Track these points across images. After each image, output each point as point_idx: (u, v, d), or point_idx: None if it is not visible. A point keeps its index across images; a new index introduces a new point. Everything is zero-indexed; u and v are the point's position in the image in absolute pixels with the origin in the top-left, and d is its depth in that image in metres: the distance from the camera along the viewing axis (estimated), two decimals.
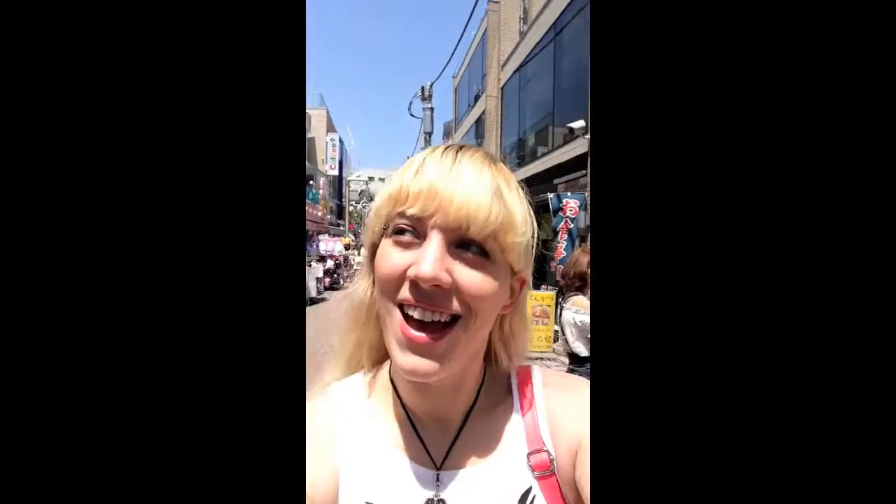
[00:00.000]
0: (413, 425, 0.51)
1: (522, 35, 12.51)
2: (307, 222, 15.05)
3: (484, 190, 0.44)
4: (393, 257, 0.44)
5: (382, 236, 0.47)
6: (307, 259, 12.73)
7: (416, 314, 0.43)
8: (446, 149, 0.47)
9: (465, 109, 18.93)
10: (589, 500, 0.45)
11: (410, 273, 0.43)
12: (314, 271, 12.34)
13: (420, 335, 0.43)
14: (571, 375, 0.60)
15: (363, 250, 0.53)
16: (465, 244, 0.44)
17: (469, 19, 8.82)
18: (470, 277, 0.43)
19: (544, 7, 10.45)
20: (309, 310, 10.25)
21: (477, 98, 17.03)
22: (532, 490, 0.48)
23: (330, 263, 14.54)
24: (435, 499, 0.48)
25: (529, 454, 0.50)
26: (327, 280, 13.92)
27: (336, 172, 28.92)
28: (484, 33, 16.05)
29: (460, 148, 0.48)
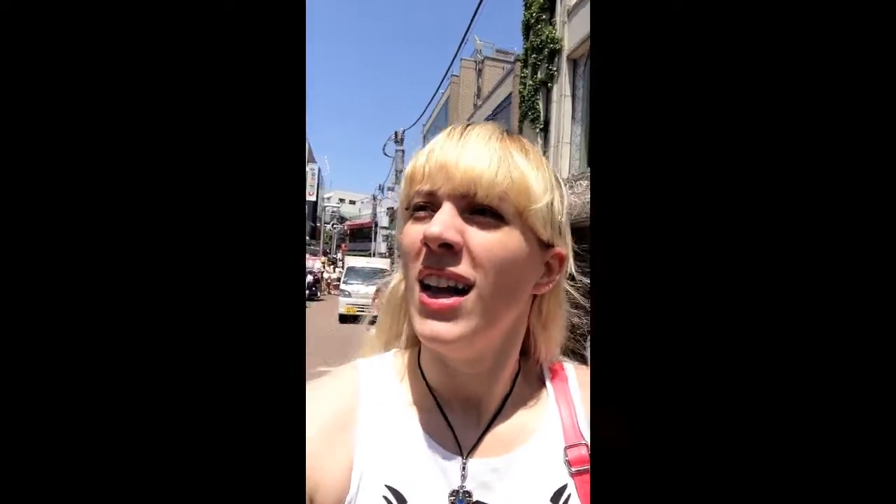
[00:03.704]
0: (441, 411, 0.49)
1: (476, 108, 16.14)
2: None
3: (490, 155, 0.44)
4: (410, 231, 0.46)
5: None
6: None
7: (431, 282, 0.43)
8: (454, 127, 0.48)
9: None
10: None
11: (421, 238, 0.43)
12: None
13: (434, 300, 0.43)
14: None
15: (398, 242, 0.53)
16: (478, 210, 0.44)
17: (438, 88, 12.36)
18: (481, 237, 0.43)
19: (488, 97, 14.13)
20: None
21: None
22: (567, 488, 0.47)
23: (309, 278, 17.44)
24: (461, 490, 0.46)
25: (567, 448, 0.48)
26: (306, 293, 16.78)
27: (313, 198, 31.83)
28: (447, 99, 19.74)
29: (469, 125, 0.48)
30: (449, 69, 14.94)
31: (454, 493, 0.46)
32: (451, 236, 0.42)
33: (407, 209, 0.47)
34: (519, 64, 11.11)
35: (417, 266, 0.44)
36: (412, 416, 0.50)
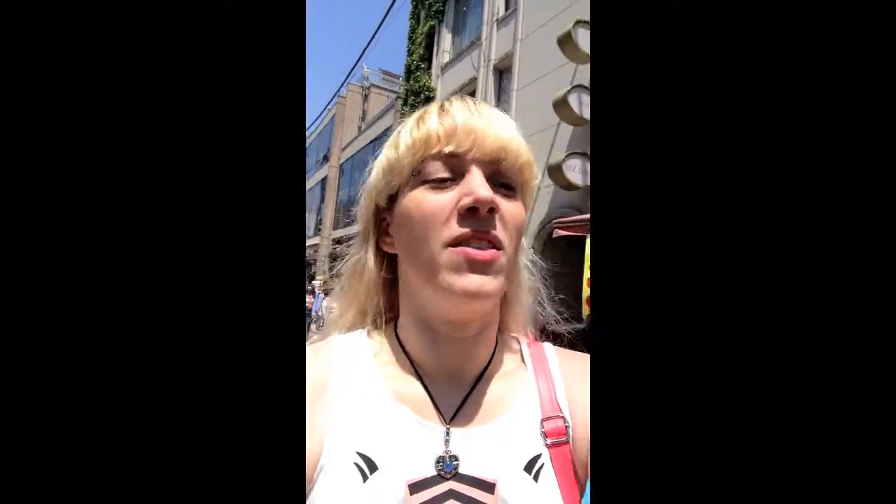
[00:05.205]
0: (422, 381, 0.51)
1: (361, 131, 17.24)
2: None
3: (511, 126, 0.47)
4: (434, 198, 0.45)
5: (399, 190, 0.48)
6: None
7: (472, 244, 0.44)
8: (459, 96, 0.49)
9: (313, 165, 22.92)
10: None
11: (465, 202, 0.43)
12: None
13: (482, 252, 0.44)
14: (583, 354, 0.57)
15: (361, 217, 0.54)
16: (499, 179, 0.46)
17: (327, 105, 13.22)
18: (509, 207, 0.46)
19: (372, 123, 15.39)
20: None
21: (325, 158, 21.15)
22: (541, 458, 0.47)
23: None
24: (447, 455, 0.46)
25: (543, 420, 0.49)
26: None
27: None
28: (333, 116, 20.53)
29: (466, 96, 0.49)
30: (338, 91, 15.95)
31: (440, 459, 0.46)
32: (497, 201, 0.45)
33: (415, 175, 0.47)
34: (400, 101, 12.50)
35: (448, 232, 0.45)
36: (391, 386, 0.50)
